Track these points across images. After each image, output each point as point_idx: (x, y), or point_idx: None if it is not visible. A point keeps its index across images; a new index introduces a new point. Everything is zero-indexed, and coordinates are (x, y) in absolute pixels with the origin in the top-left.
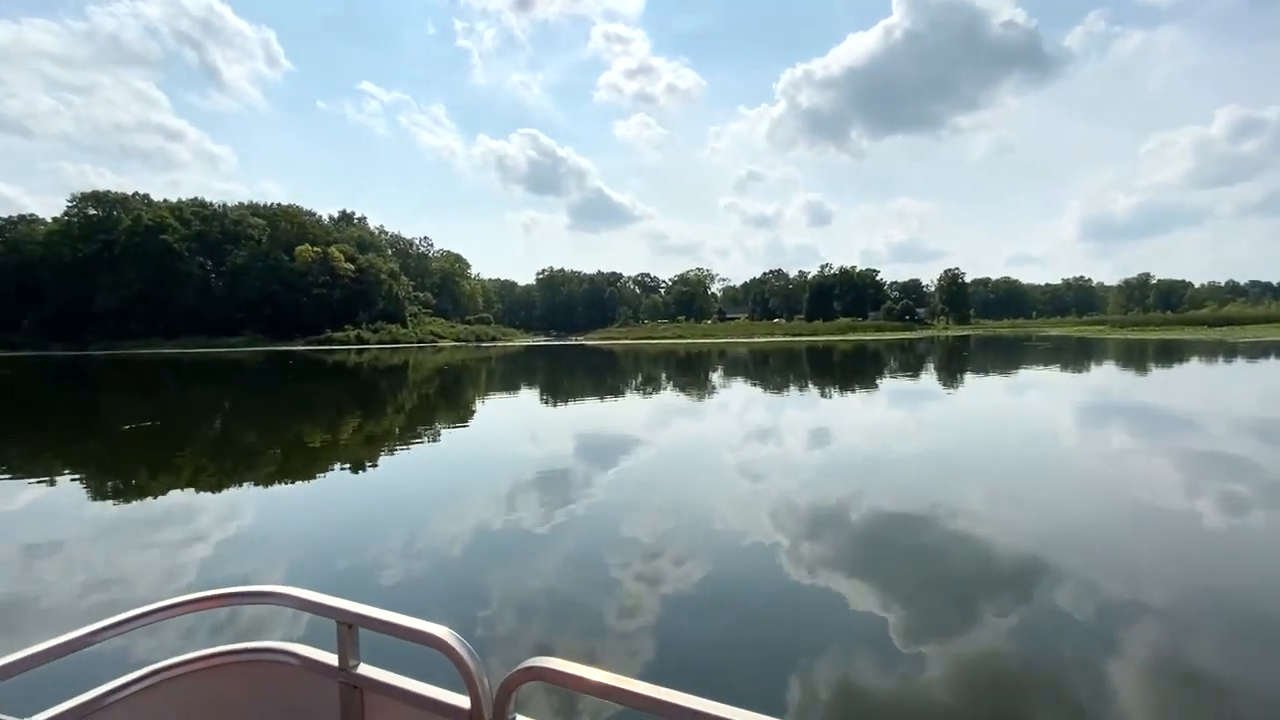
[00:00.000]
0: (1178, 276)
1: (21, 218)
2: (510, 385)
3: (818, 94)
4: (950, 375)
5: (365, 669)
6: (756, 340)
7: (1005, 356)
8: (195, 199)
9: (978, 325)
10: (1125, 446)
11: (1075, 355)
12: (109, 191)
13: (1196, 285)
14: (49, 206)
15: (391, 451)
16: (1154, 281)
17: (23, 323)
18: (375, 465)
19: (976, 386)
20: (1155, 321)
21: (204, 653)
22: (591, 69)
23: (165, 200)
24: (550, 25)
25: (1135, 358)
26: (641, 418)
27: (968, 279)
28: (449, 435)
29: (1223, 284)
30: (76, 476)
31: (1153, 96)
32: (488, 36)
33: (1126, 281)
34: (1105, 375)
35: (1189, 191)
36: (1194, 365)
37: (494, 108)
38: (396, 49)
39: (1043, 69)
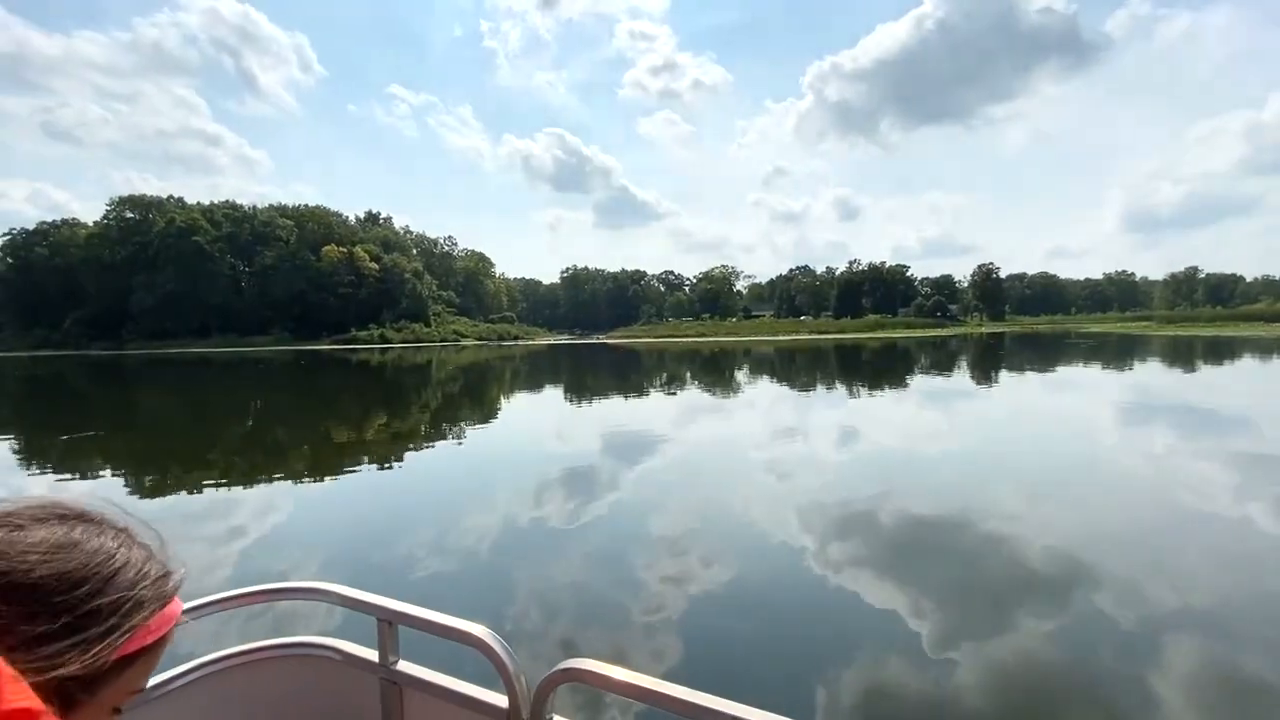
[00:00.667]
0: (1228, 270)
1: (64, 222)
2: (528, 385)
3: (847, 86)
4: (984, 374)
5: (404, 665)
6: (781, 339)
7: (1044, 355)
8: (226, 201)
9: (1013, 322)
10: (1184, 461)
11: (1120, 354)
12: (144, 195)
13: (1248, 279)
14: (97, 213)
15: (386, 462)
16: (1202, 275)
17: (65, 323)
18: (360, 474)
19: (1012, 387)
20: (1205, 317)
21: (247, 647)
22: (616, 66)
23: (198, 203)
24: (575, 24)
25: (1185, 356)
26: (663, 418)
27: (1003, 274)
28: (464, 436)
29: (1278, 277)
30: None
31: (1201, 81)
32: (513, 36)
33: (1173, 275)
34: (1158, 376)
35: (1240, 180)
36: (1252, 364)
37: (520, 107)
38: (424, 51)
39: (1082, 56)
